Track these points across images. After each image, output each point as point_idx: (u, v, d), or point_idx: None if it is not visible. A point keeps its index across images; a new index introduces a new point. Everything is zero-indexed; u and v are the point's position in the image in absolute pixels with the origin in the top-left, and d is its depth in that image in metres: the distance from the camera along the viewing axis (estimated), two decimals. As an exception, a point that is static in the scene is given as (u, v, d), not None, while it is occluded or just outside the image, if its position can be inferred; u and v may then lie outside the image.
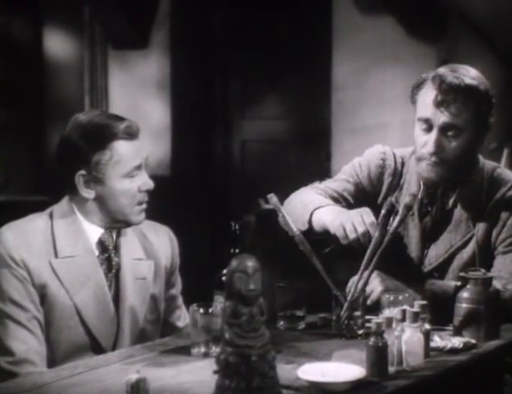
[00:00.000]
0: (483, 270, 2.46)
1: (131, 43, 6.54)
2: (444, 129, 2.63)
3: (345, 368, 2.01)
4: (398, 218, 2.54)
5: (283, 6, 6.33)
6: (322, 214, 2.63)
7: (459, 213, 2.71)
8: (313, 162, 6.30)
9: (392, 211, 2.62)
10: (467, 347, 2.29)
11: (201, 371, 2.10)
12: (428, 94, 2.63)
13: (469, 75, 2.63)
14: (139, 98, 6.55)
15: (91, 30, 6.66)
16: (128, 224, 2.54)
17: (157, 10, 6.50)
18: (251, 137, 6.71)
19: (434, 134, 2.63)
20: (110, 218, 2.51)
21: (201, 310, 2.27)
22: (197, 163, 6.65)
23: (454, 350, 2.26)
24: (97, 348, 2.46)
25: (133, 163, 2.47)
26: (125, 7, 6.40)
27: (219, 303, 2.25)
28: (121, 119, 2.50)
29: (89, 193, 2.48)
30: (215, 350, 2.19)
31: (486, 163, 2.77)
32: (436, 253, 2.71)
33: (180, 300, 2.74)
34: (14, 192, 6.53)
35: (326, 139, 6.15)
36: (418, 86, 2.68)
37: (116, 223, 2.53)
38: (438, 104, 2.61)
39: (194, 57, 6.60)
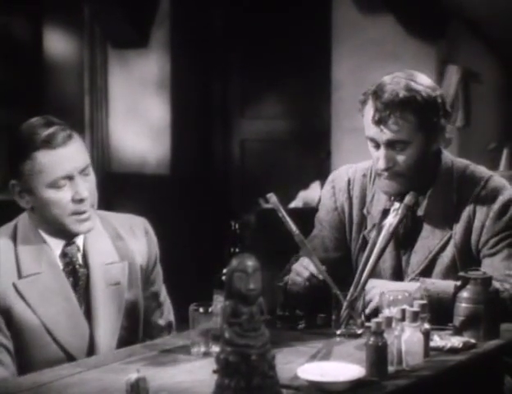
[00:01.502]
0: (483, 270, 2.46)
1: (131, 42, 6.54)
2: (389, 145, 2.61)
3: (344, 367, 2.01)
4: (398, 218, 2.55)
5: (283, 6, 6.33)
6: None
7: (432, 217, 2.67)
8: (313, 162, 6.30)
9: (387, 213, 2.62)
10: (466, 347, 2.29)
11: (201, 370, 2.11)
12: (370, 113, 2.61)
13: (407, 86, 2.59)
14: (139, 98, 6.55)
15: (91, 30, 6.65)
16: (72, 234, 2.46)
17: (157, 9, 6.49)
18: (251, 136, 6.71)
19: (382, 150, 2.62)
20: (52, 228, 2.44)
21: (201, 310, 2.27)
22: (196, 162, 6.65)
23: (453, 350, 2.26)
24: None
25: (56, 174, 2.38)
26: (125, 7, 6.39)
27: (219, 302, 2.24)
28: (48, 126, 2.40)
29: (23, 202, 2.44)
30: (215, 349, 2.19)
31: (457, 162, 2.73)
32: (416, 260, 2.67)
33: (161, 296, 2.66)
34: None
35: (326, 139, 6.14)
36: (363, 102, 2.66)
37: (61, 234, 2.45)
38: (377, 123, 2.59)
39: (193, 56, 6.60)
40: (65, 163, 2.39)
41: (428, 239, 2.67)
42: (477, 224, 2.64)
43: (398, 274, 2.69)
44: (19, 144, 2.41)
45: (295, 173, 6.33)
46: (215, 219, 6.20)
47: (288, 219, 2.51)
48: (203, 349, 2.26)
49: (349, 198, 2.79)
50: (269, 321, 2.38)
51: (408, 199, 2.59)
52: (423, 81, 2.63)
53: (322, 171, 6.06)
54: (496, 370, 2.40)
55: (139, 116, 6.46)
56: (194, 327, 2.28)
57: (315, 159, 6.30)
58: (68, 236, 2.47)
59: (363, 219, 2.76)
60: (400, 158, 2.61)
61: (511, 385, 2.46)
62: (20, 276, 2.40)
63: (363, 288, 2.47)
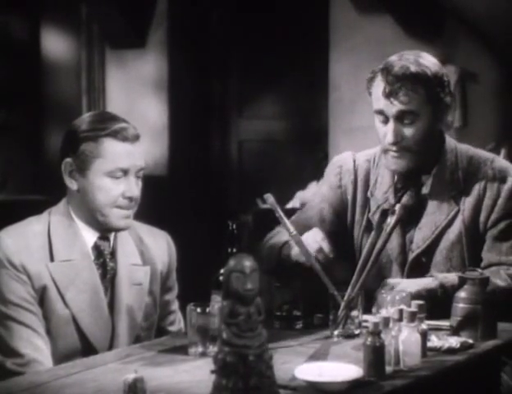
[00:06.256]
0: (480, 270, 2.47)
1: (129, 42, 6.54)
2: (399, 117, 2.65)
3: (342, 367, 2.01)
4: (395, 218, 2.55)
5: (281, 6, 6.33)
6: (286, 250, 2.68)
7: (438, 193, 2.71)
8: (311, 162, 6.30)
9: (387, 211, 2.63)
10: (464, 347, 2.29)
11: (198, 371, 2.10)
12: (379, 87, 2.67)
13: (417, 61, 2.66)
14: (137, 98, 6.55)
15: (88, 30, 6.65)
16: (109, 228, 2.50)
17: (154, 9, 6.49)
18: (248, 137, 6.71)
19: (390, 124, 2.66)
20: (90, 217, 2.48)
21: (198, 310, 2.27)
22: (194, 163, 6.65)
23: (451, 350, 2.26)
24: (92, 353, 2.43)
25: (118, 164, 2.44)
26: (123, 7, 6.39)
27: (216, 302, 2.24)
28: (119, 122, 2.49)
29: (72, 183, 2.48)
30: (212, 349, 2.19)
31: (460, 144, 2.80)
32: (422, 236, 2.70)
33: (174, 305, 2.73)
34: (12, 191, 6.53)
35: (323, 139, 6.15)
36: (370, 80, 2.71)
37: (99, 226, 2.49)
38: (387, 95, 2.64)
39: (191, 56, 6.60)
40: (127, 157, 2.46)
41: (435, 214, 2.70)
42: (487, 202, 2.70)
43: (404, 252, 2.72)
44: (86, 127, 2.47)
45: (293, 173, 6.33)
46: (212, 219, 6.20)
47: (285, 219, 2.51)
48: (200, 349, 2.26)
49: (355, 180, 2.83)
50: (267, 321, 2.38)
51: (405, 199, 2.59)
52: (431, 59, 2.71)
53: (319, 172, 6.06)
54: (494, 370, 2.40)
55: (137, 116, 6.44)
56: (191, 327, 2.28)
57: (313, 160, 6.30)
58: (103, 229, 2.51)
59: (366, 202, 2.79)
60: (408, 131, 2.66)
61: (509, 385, 2.47)
62: (52, 259, 2.45)
63: (360, 289, 2.46)
